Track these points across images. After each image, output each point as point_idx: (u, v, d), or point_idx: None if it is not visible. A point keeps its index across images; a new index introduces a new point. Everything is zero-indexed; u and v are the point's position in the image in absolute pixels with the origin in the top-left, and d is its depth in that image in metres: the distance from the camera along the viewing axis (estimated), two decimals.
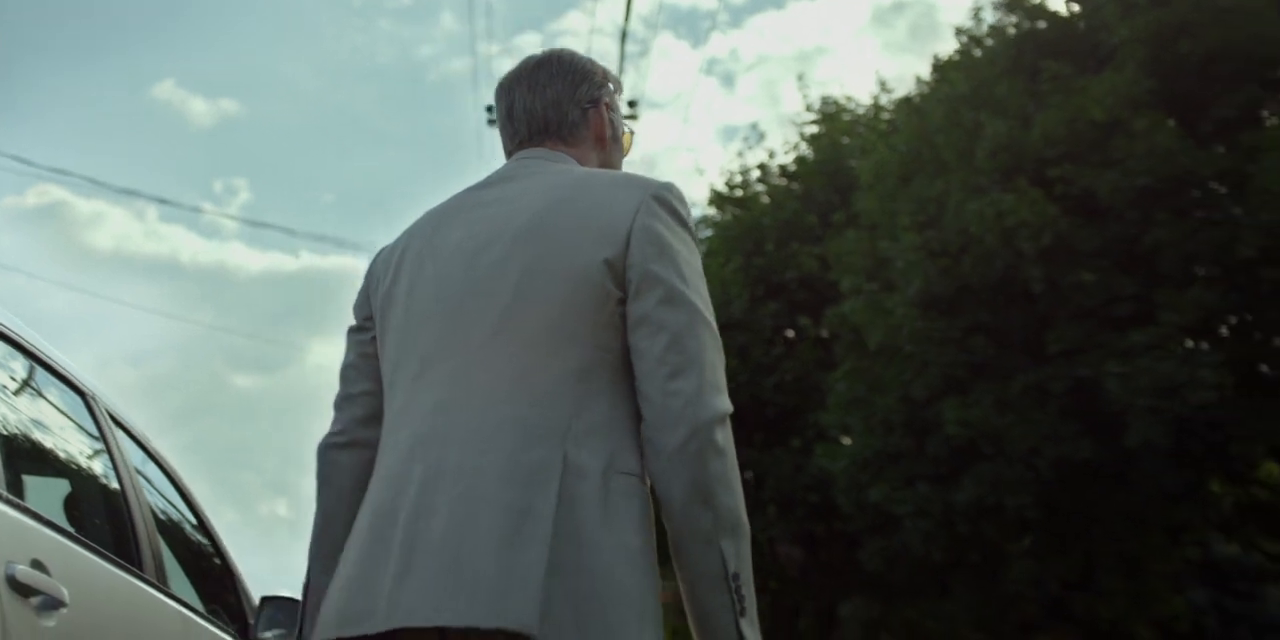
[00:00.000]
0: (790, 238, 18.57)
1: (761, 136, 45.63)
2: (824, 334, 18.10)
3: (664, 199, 2.03)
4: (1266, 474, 17.38)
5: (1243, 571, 28.74)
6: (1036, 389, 13.92)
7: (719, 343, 1.99)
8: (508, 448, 1.87)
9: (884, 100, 19.77)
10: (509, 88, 2.27)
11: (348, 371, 2.22)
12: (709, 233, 20.41)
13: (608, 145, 2.28)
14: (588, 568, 1.81)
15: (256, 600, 3.96)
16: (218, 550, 4.01)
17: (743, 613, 1.88)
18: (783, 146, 20.86)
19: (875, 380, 15.18)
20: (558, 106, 2.22)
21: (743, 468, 18.53)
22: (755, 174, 20.13)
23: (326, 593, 1.99)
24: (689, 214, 2.07)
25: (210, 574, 3.93)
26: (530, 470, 1.85)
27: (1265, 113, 13.72)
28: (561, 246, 1.98)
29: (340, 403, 2.22)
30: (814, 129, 19.98)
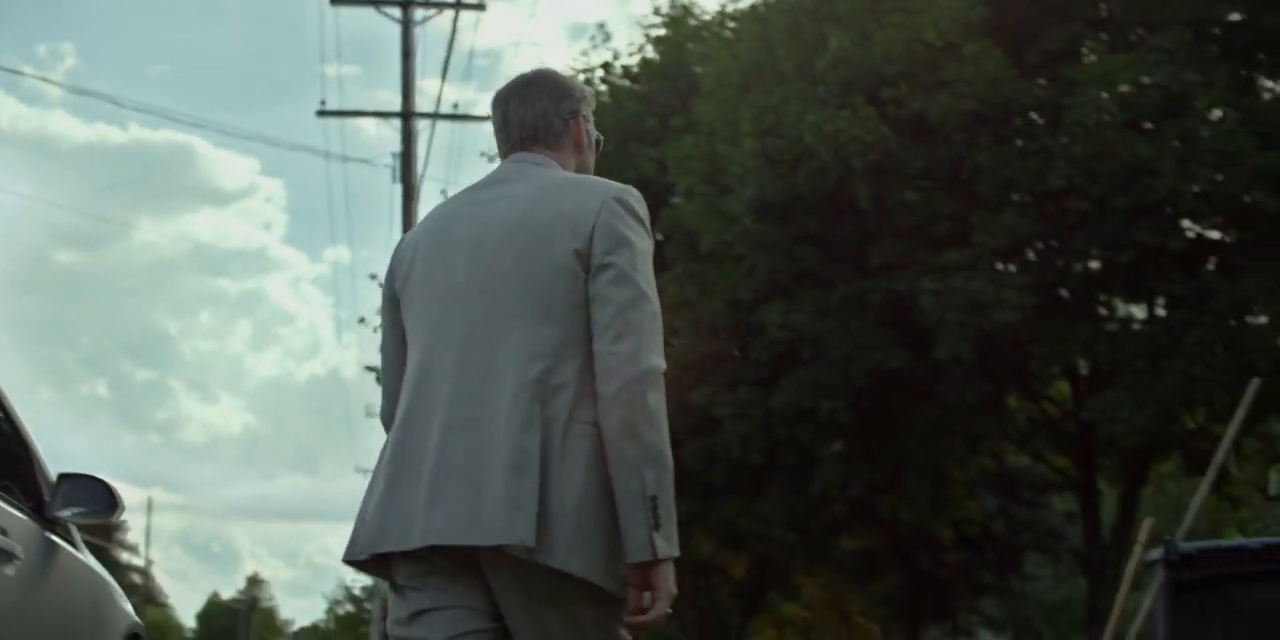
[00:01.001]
0: (629, 138, 18.68)
1: (608, 36, 44.96)
2: (658, 236, 18.38)
3: (623, 200, 2.55)
4: (1058, 392, 18.35)
5: (1031, 482, 30.35)
6: (856, 299, 14.45)
7: (658, 316, 2.49)
8: (506, 402, 2.41)
9: (730, 8, 19.88)
10: (505, 100, 2.76)
11: (386, 351, 2.71)
12: None
13: (584, 150, 2.77)
14: (564, 496, 2.36)
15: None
16: (13, 427, 4.03)
17: (657, 528, 2.36)
18: (628, 48, 20.81)
19: (705, 283, 15.54)
20: (545, 118, 2.71)
21: None
22: (599, 74, 20.14)
23: (360, 515, 2.51)
24: (644, 210, 2.58)
25: (2, 451, 3.98)
26: (522, 421, 2.39)
27: (1085, 49, 14.26)
28: (542, 240, 2.50)
29: (387, 374, 2.71)
30: (660, 32, 20.03)
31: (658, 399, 2.42)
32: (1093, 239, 13.50)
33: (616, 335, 2.43)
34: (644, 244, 2.54)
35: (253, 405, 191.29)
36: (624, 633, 2.50)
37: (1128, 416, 13.10)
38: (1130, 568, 5.28)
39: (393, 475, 2.47)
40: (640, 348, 2.42)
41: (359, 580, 72.32)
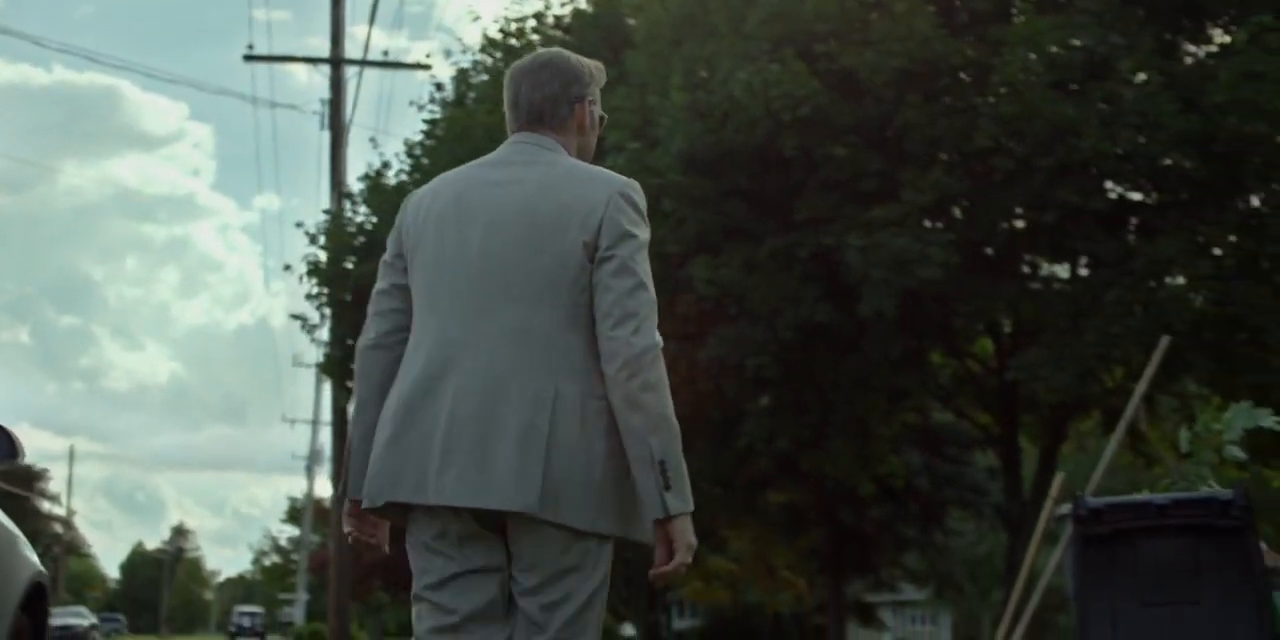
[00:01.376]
0: None
1: None
2: None
3: (627, 195, 2.80)
4: (982, 350, 18.58)
5: (955, 438, 30.79)
6: (784, 254, 14.51)
7: (654, 302, 2.74)
8: (519, 379, 2.68)
9: None
10: (518, 80, 2.98)
11: (381, 294, 2.93)
12: (484, 78, 20.24)
13: (586, 132, 2.98)
14: (568, 466, 2.63)
15: None
16: None
17: (668, 488, 2.63)
18: None
19: None
20: (553, 102, 2.93)
21: None
22: (530, 23, 19.97)
23: (370, 461, 2.78)
24: (644, 203, 2.83)
25: None
26: (535, 397, 2.66)
27: (1014, 10, 14.33)
28: (553, 231, 2.74)
29: (374, 317, 2.93)
30: None
31: (658, 373, 2.69)
32: (1017, 198, 13.63)
33: (617, 321, 2.69)
34: (644, 236, 2.80)
35: (179, 354, 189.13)
36: (603, 585, 2.75)
37: (1048, 375, 13.29)
38: (1041, 522, 5.37)
39: (401, 430, 2.74)
40: (639, 330, 2.68)
41: (285, 531, 72.15)
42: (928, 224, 14.38)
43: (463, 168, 2.97)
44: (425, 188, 2.96)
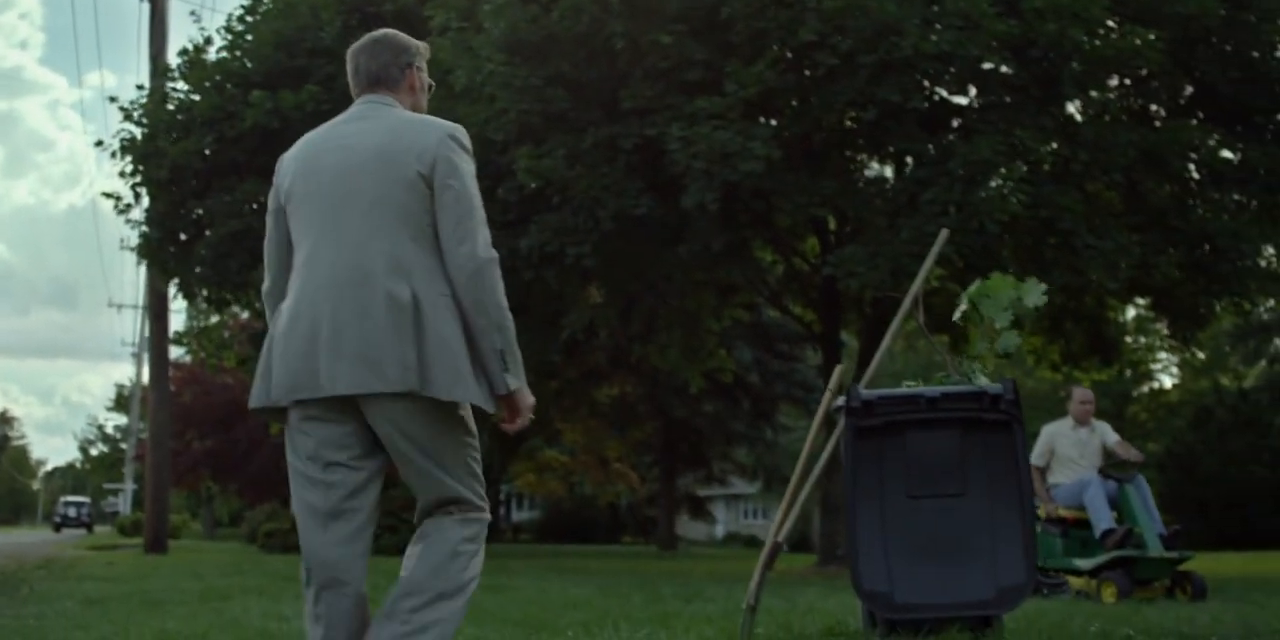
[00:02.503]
0: None
1: None
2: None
3: (454, 137, 3.43)
4: (811, 248, 18.69)
5: (786, 335, 31.26)
6: (607, 144, 14.27)
7: (484, 221, 3.39)
8: (384, 285, 3.28)
9: None
10: (357, 54, 3.62)
11: (271, 244, 3.53)
12: None
13: (416, 92, 3.64)
14: (435, 347, 3.25)
15: None
16: None
17: (507, 369, 3.33)
18: None
19: (455, 122, 15.09)
20: (386, 69, 3.57)
21: None
22: None
23: (267, 368, 3.38)
24: (468, 142, 3.47)
25: None
26: (398, 298, 3.27)
27: None
28: (396, 165, 3.35)
29: (270, 264, 3.53)
30: None
31: (494, 280, 3.34)
32: (839, 95, 13.56)
33: (459, 239, 3.31)
34: (470, 168, 3.43)
35: (5, 235, 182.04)
36: (478, 450, 3.46)
37: (863, 272, 13.37)
38: (819, 414, 5.31)
39: (292, 340, 3.34)
40: (476, 246, 3.32)
41: (111, 418, 70.51)
42: (761, 120, 14.23)
43: (322, 127, 3.57)
44: (294, 147, 3.55)
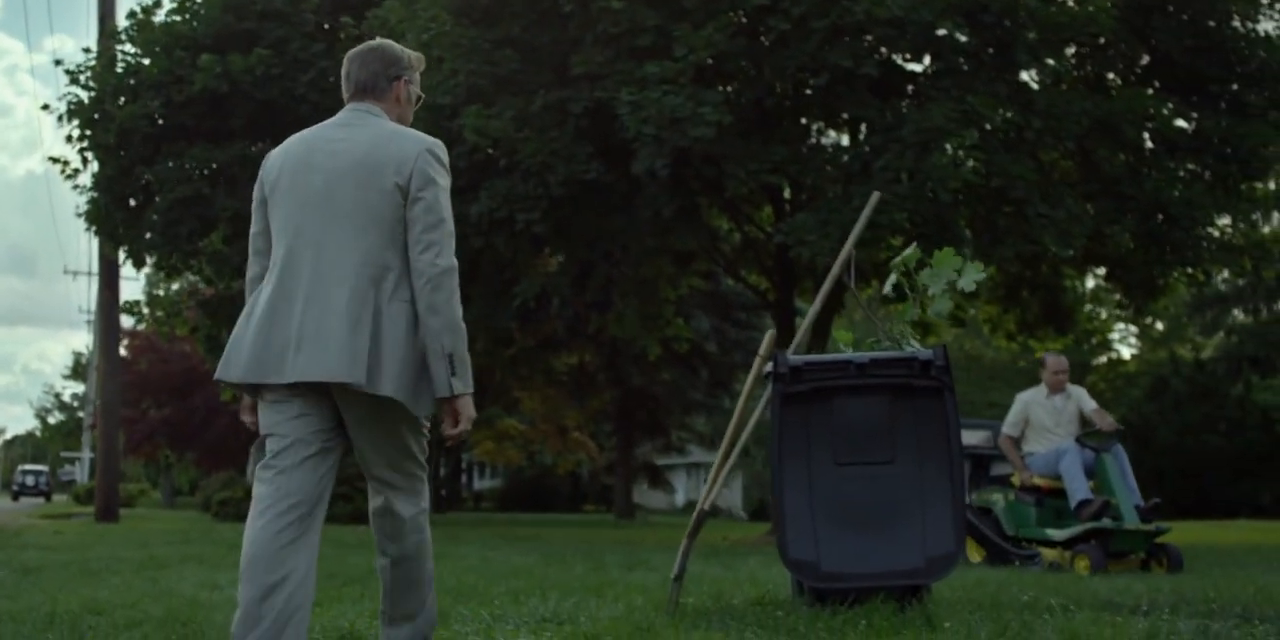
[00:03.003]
0: None
1: None
2: (364, 34, 17.51)
3: (433, 151, 3.65)
4: (766, 216, 18.57)
5: (744, 303, 31.15)
6: (557, 108, 14.10)
7: (453, 234, 3.62)
8: (350, 284, 3.53)
9: None
10: (350, 61, 3.83)
11: (257, 235, 3.77)
12: None
13: (403, 104, 3.84)
14: (388, 347, 3.50)
15: None
16: None
17: (454, 374, 3.54)
18: None
19: None
20: (375, 79, 3.77)
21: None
22: None
23: (239, 348, 3.63)
24: (446, 157, 3.69)
25: None
26: (361, 298, 3.52)
27: None
28: (376, 175, 3.60)
29: (254, 254, 3.77)
30: None
31: (451, 287, 3.56)
32: (791, 60, 13.42)
33: (424, 248, 3.53)
34: (445, 182, 3.66)
35: None
36: (424, 438, 3.72)
37: (814, 240, 13.27)
38: (750, 381, 5.21)
39: (266, 326, 3.59)
40: (439, 255, 3.53)
41: (69, 387, 69.91)
42: (717, 87, 14.06)
43: (310, 129, 3.80)
44: (280, 146, 3.78)
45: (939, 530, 4.85)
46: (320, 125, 3.79)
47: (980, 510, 10.03)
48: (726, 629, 4.43)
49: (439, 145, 3.68)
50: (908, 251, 5.38)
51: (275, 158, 3.75)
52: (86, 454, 52.66)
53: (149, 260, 19.39)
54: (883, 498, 4.92)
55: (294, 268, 3.60)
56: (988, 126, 13.72)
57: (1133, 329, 44.97)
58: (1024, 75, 14.75)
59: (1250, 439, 32.05)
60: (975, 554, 10.03)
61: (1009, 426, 10.13)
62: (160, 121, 18.14)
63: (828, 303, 17.85)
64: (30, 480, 57.92)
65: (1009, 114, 13.78)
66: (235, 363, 3.62)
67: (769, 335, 5.25)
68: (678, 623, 4.53)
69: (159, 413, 37.94)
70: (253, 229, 3.76)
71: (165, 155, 18.23)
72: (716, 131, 13.05)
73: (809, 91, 14.48)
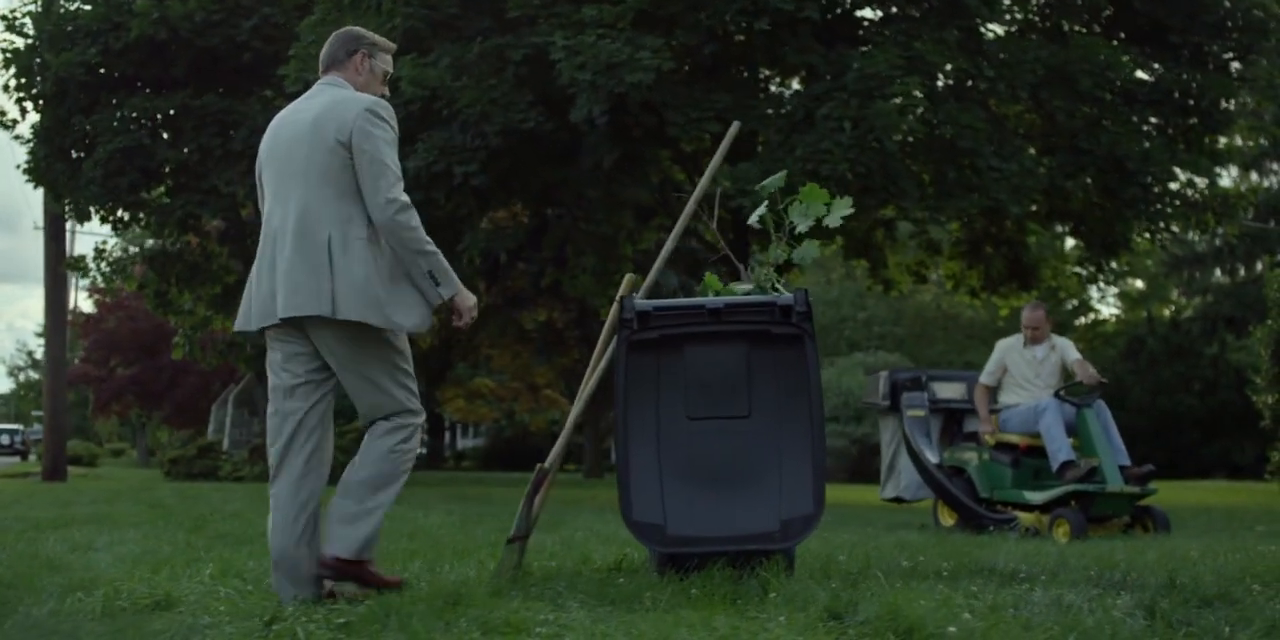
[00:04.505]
0: None
1: None
2: None
3: (372, 110, 4.17)
4: (726, 172, 18.05)
5: (713, 260, 30.61)
6: (495, 55, 13.62)
7: (399, 178, 4.18)
8: (312, 231, 4.13)
9: None
10: (324, 46, 4.39)
11: (261, 202, 4.34)
12: None
13: (364, 74, 4.35)
14: (343, 280, 4.09)
15: None
16: None
17: (438, 284, 4.20)
18: None
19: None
20: (335, 54, 4.33)
21: (214, 115, 17.48)
22: None
23: (249, 298, 4.30)
24: (387, 114, 4.20)
25: None
26: (317, 242, 4.12)
27: None
28: (322, 135, 4.16)
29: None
30: None
31: (407, 219, 4.13)
32: (731, 3, 12.93)
33: (373, 192, 4.09)
34: (386, 135, 4.17)
35: None
36: (402, 377, 4.27)
37: (755, 191, 12.83)
38: (606, 328, 4.81)
39: (259, 278, 4.22)
40: (389, 196, 4.10)
41: (43, 345, 69.21)
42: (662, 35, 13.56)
43: (288, 105, 4.41)
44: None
45: (797, 490, 4.45)
46: (297, 99, 4.41)
47: (952, 470, 9.44)
48: (548, 596, 4.05)
49: (380, 103, 4.20)
50: (773, 178, 4.99)
51: (266, 132, 4.40)
52: None
53: (92, 213, 18.90)
54: (737, 455, 4.51)
55: (272, 224, 4.23)
56: (940, 77, 13.27)
57: (1113, 290, 44.63)
58: (977, 21, 14.26)
59: (1224, 399, 31.76)
60: (948, 518, 9.57)
61: (985, 375, 9.52)
62: (99, 70, 17.63)
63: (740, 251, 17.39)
64: (5, 439, 57.37)
65: (959, 61, 13.31)
66: (246, 314, 4.28)
67: (628, 279, 4.85)
68: (502, 589, 4.15)
69: (126, 371, 37.48)
70: (260, 196, 4.41)
71: (105, 106, 17.73)
72: (656, 78, 12.58)
73: (743, 37, 13.94)
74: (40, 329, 68.18)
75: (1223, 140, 16.93)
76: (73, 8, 18.23)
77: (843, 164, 12.31)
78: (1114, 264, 18.68)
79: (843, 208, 4.80)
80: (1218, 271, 37.41)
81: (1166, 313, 39.27)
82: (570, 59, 12.54)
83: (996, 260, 19.01)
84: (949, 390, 10.08)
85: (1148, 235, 16.97)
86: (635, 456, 4.54)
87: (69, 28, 17.68)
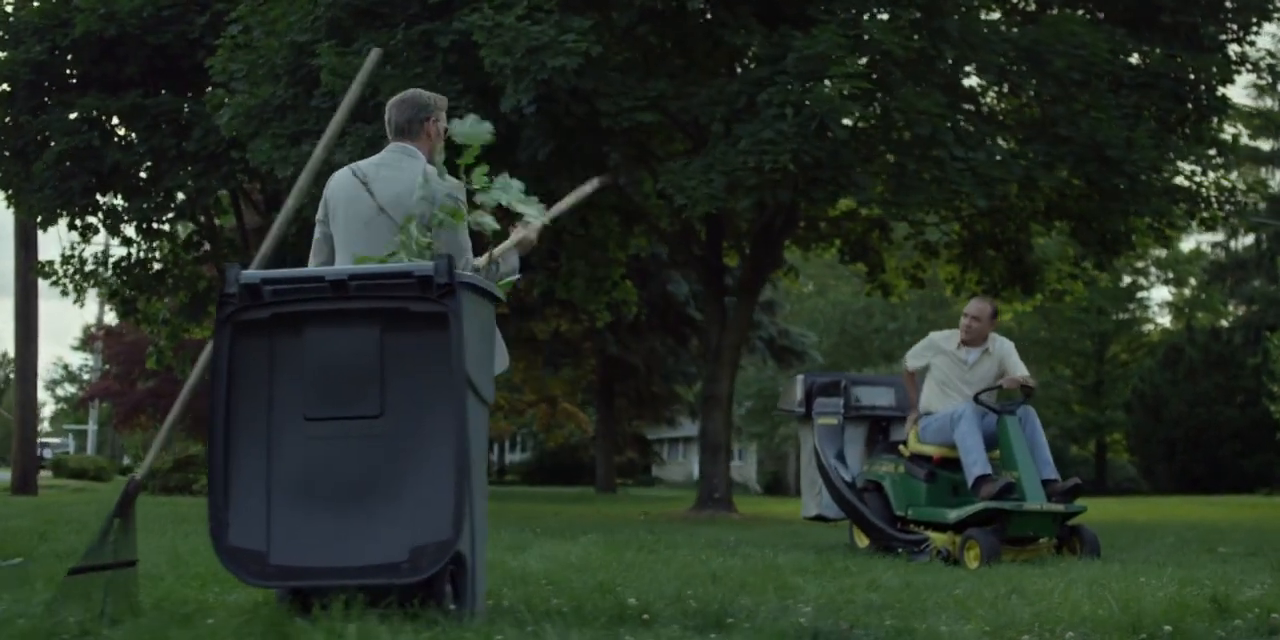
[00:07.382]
0: None
1: None
2: None
3: (453, 195, 4.50)
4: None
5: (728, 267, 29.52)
6: (421, 43, 12.79)
7: (469, 248, 4.60)
8: None
9: None
10: (389, 109, 4.82)
11: (319, 242, 4.68)
12: None
13: (433, 139, 4.74)
14: None
15: None
16: None
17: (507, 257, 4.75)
18: None
19: (266, 21, 13.67)
20: (410, 123, 4.75)
21: (168, 115, 16.79)
22: None
23: None
24: (463, 196, 4.58)
25: None
26: None
27: None
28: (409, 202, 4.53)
29: (314, 254, 4.69)
30: None
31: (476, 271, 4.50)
32: None
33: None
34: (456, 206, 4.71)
35: None
36: None
37: (694, 187, 11.87)
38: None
39: None
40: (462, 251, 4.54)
41: (79, 359, 69.29)
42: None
43: (363, 163, 4.72)
44: (342, 172, 4.70)
45: (433, 511, 3.49)
46: (370, 160, 4.71)
47: (870, 484, 8.48)
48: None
49: (459, 187, 4.47)
50: (478, 127, 4.13)
51: (336, 180, 4.67)
52: (92, 426, 51.94)
53: (50, 218, 18.25)
54: (364, 465, 3.56)
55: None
56: (893, 58, 12.20)
57: (1159, 297, 43.09)
58: None
59: (1266, 411, 30.29)
60: (862, 539, 8.57)
61: (910, 356, 8.48)
62: (46, 68, 17.01)
63: (760, 261, 16.46)
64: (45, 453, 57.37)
65: (915, 39, 12.24)
66: None
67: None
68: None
69: (146, 384, 37.06)
70: (315, 235, 4.63)
71: (54, 105, 17.10)
72: (584, 63, 11.67)
73: (679, 16, 12.96)
74: (76, 343, 68.43)
75: (1229, 130, 15.76)
76: (17, 4, 17.64)
77: (784, 155, 11.30)
78: (1115, 263, 17.50)
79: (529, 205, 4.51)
80: (1258, 279, 35.84)
81: (1224, 323, 37.72)
82: (492, 42, 11.66)
83: (997, 262, 17.89)
84: (874, 396, 9.05)
85: (1152, 235, 15.85)
86: (237, 467, 3.60)
87: (10, 20, 17.06)
